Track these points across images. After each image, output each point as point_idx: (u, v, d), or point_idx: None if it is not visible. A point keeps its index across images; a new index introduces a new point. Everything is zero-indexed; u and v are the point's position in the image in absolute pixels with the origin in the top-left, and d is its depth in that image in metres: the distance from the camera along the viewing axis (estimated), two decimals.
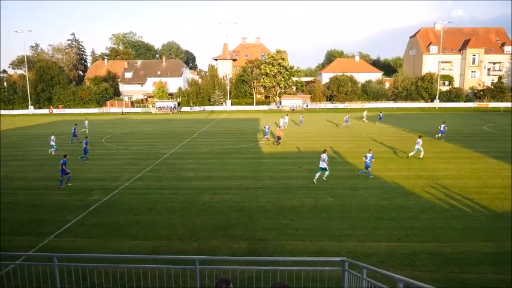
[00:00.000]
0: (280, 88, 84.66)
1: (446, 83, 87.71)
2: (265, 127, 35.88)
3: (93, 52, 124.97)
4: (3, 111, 79.23)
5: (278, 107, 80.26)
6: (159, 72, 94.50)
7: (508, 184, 19.19)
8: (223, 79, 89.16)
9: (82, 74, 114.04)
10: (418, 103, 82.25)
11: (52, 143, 30.04)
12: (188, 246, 12.48)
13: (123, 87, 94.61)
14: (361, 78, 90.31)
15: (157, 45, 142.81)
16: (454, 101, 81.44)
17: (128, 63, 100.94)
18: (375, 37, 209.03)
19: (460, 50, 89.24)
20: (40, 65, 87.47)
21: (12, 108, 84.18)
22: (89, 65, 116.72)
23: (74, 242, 12.85)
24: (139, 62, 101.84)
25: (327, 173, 20.10)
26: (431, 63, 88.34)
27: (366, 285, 6.72)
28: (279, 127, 35.55)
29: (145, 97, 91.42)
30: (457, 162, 24.45)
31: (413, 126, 46.17)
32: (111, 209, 16.25)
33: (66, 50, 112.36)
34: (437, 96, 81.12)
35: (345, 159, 26.26)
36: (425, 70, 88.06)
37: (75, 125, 38.20)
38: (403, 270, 10.33)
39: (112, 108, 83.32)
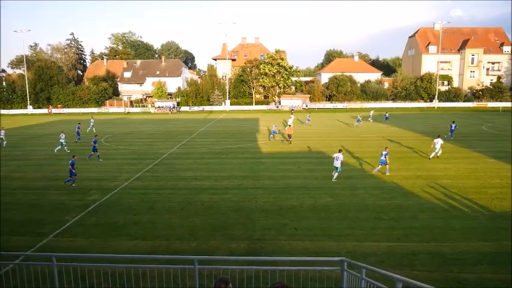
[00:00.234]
0: (280, 88, 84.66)
1: (445, 83, 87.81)
2: (273, 126, 36.63)
3: (92, 52, 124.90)
4: (2, 111, 79.09)
5: (277, 107, 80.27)
6: (158, 72, 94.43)
7: (507, 184, 19.22)
8: (223, 79, 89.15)
9: (81, 73, 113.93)
10: (417, 103, 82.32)
11: (62, 140, 30.42)
12: (187, 246, 12.48)
13: (122, 87, 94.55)
14: (360, 78, 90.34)
15: (157, 45, 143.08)
16: (453, 101, 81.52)
17: (127, 63, 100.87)
18: (374, 37, 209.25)
19: (459, 50, 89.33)
20: (39, 64, 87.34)
21: (11, 108, 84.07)
22: (88, 65, 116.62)
23: (73, 242, 12.84)
24: (138, 61, 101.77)
25: (336, 173, 20.52)
26: (430, 63, 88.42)
27: (364, 285, 6.72)
28: (290, 125, 36.41)
29: (145, 97, 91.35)
30: (456, 162, 24.48)
31: (413, 126, 46.21)
32: (110, 209, 16.24)
33: (65, 50, 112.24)
34: (436, 96, 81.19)
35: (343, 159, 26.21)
36: (424, 70, 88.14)
37: (79, 123, 38.34)
38: (402, 270, 10.33)
39: (111, 108, 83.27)
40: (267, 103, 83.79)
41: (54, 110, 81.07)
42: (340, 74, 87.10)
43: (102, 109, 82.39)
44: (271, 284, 4.21)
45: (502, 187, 18.67)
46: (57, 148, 30.46)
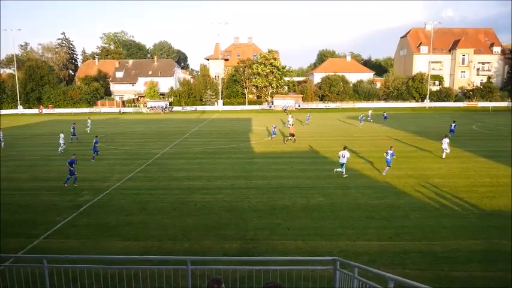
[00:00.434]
0: (272, 88, 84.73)
1: (437, 82, 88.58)
2: (273, 126, 37.47)
3: (83, 51, 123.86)
4: None
5: (270, 107, 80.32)
6: (150, 72, 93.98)
7: (497, 183, 19.46)
8: (215, 79, 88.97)
9: (72, 73, 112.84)
10: (409, 103, 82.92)
11: (61, 141, 30.38)
12: (180, 246, 12.44)
13: (114, 87, 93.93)
14: (353, 78, 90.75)
15: (149, 44, 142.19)
16: (444, 101, 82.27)
17: (119, 62, 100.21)
18: (366, 37, 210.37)
19: (450, 50, 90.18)
20: (30, 64, 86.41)
21: (1, 108, 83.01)
22: (79, 65, 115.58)
23: (64, 243, 12.73)
24: (130, 61, 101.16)
25: (340, 169, 21.10)
26: (422, 63, 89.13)
27: (357, 284, 6.76)
28: (292, 125, 37.33)
29: (137, 97, 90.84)
30: (447, 162, 24.71)
31: (405, 125, 46.53)
32: (102, 210, 16.14)
33: (56, 49, 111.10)
34: (427, 96, 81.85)
35: (334, 158, 26.32)
36: (415, 70, 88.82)
37: (74, 124, 38.16)
38: (394, 268, 10.41)
39: (103, 108, 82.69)
40: (260, 103, 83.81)
41: (45, 110, 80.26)
42: (333, 74, 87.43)
43: (94, 109, 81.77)
44: (264, 284, 4.21)
45: (492, 186, 18.90)
46: (61, 148, 30.31)
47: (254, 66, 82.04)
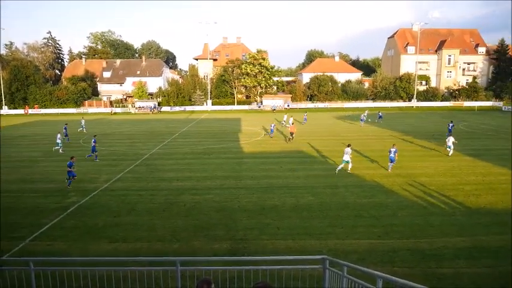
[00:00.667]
0: (261, 88, 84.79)
1: (424, 82, 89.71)
2: (271, 125, 38.35)
3: (70, 51, 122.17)
4: None
5: (259, 107, 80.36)
6: (138, 72, 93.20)
7: (482, 181, 19.80)
8: (204, 79, 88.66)
9: (59, 73, 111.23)
10: (397, 102, 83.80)
11: (58, 141, 30.37)
12: (169, 247, 12.37)
13: (101, 87, 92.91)
14: (341, 78, 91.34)
15: (137, 44, 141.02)
16: (431, 101, 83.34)
17: (106, 62, 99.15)
18: (354, 37, 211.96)
19: (436, 51, 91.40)
20: (15, 63, 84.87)
21: None
22: (66, 64, 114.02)
23: (51, 246, 12.54)
24: (118, 61, 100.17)
25: (350, 165, 21.68)
26: (409, 63, 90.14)
27: (346, 283, 6.80)
28: (292, 124, 37.85)
29: (125, 97, 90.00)
30: (433, 160, 25.04)
31: (393, 125, 47.02)
32: (90, 211, 15.95)
33: (42, 49, 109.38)
34: (414, 96, 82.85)
35: (323, 158, 26.52)
36: (403, 70, 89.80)
37: (66, 124, 37.85)
38: (383, 266, 10.51)
39: (90, 108, 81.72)
40: (249, 103, 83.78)
41: (30, 111, 78.97)
42: (321, 74, 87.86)
43: (81, 109, 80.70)
44: (253, 284, 4.21)
45: (478, 184, 19.22)
46: (59, 148, 30.26)
47: (243, 66, 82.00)
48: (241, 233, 13.41)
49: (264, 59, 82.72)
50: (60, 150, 30.17)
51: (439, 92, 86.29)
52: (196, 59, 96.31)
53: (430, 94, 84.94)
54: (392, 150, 22.13)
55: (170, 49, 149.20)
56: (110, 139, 38.47)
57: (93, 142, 27.10)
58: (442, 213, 15.06)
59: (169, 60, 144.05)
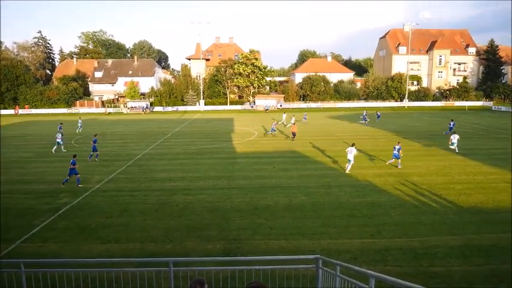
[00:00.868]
0: (254, 88, 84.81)
1: (415, 82, 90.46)
2: (273, 124, 39.53)
3: (61, 51, 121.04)
4: None
5: (252, 107, 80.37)
6: (130, 72, 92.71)
7: (473, 180, 20.01)
8: (197, 79, 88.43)
9: (50, 73, 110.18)
10: (388, 102, 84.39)
11: (58, 140, 30.29)
12: (162, 248, 12.31)
13: (93, 87, 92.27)
14: (334, 78, 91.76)
15: (129, 44, 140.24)
16: (422, 100, 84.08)
17: (98, 62, 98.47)
18: (347, 38, 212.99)
19: (427, 51, 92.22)
20: (4, 63, 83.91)
21: None
22: (56, 64, 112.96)
23: (43, 247, 12.41)
24: (110, 61, 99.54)
25: (350, 165, 22.12)
26: (401, 63, 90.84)
27: (339, 282, 6.83)
28: (294, 123, 38.35)
29: (117, 97, 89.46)
30: (425, 160, 25.24)
31: (385, 125, 47.32)
32: (82, 212, 15.81)
33: (33, 48, 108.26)
34: (406, 96, 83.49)
35: (316, 157, 26.59)
36: (394, 70, 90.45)
37: (61, 124, 37.65)
38: (376, 265, 10.58)
39: (82, 109, 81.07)
40: (242, 103, 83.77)
41: (21, 111, 78.12)
42: (314, 74, 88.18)
43: (73, 109, 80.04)
44: (247, 284, 4.21)
45: (469, 183, 19.42)
46: (59, 148, 30.27)
47: (236, 66, 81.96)
48: (234, 233, 13.40)
49: (256, 59, 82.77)
50: (63, 148, 30.27)
51: (430, 92, 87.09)
52: (189, 59, 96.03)
53: (422, 94, 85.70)
54: (397, 147, 23.00)
55: (162, 49, 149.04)
56: (102, 139, 38.10)
57: (94, 142, 27.09)
58: (433, 212, 15.19)
59: (162, 60, 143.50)
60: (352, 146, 22.57)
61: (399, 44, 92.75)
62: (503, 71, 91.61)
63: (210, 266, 8.69)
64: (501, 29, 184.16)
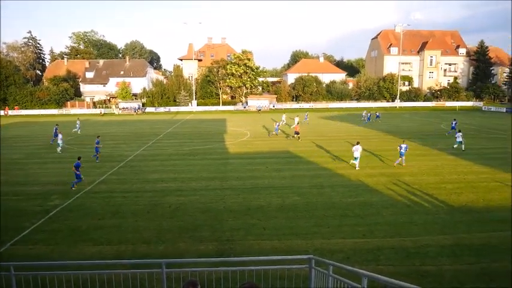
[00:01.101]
0: (246, 88, 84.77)
1: (406, 83, 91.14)
2: (275, 124, 39.93)
3: (51, 51, 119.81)
4: None
5: (244, 107, 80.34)
6: (122, 72, 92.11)
7: (464, 179, 20.21)
8: (189, 79, 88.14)
9: (40, 73, 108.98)
10: (380, 103, 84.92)
11: (59, 141, 30.38)
12: (154, 249, 12.24)
13: (84, 88, 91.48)
14: (326, 78, 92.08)
15: (120, 44, 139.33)
16: (414, 101, 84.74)
17: (89, 62, 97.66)
18: (339, 38, 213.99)
19: (418, 52, 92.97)
20: None
21: None
22: (47, 65, 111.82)
23: (33, 250, 12.28)
24: (101, 61, 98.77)
25: (357, 161, 22.98)
26: (392, 64, 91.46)
27: (332, 282, 6.85)
28: (298, 123, 38.77)
29: (108, 98, 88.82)
30: (417, 160, 25.43)
31: (377, 125, 47.62)
32: (73, 214, 15.67)
33: (22, 49, 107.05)
34: (398, 96, 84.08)
35: (309, 158, 26.65)
36: (386, 71, 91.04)
37: (57, 125, 37.42)
38: (368, 265, 10.64)
39: (73, 110, 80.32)
40: (234, 103, 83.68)
41: (10, 112, 77.19)
42: (306, 74, 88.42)
43: (63, 110, 79.25)
44: (240, 284, 4.20)
45: (460, 182, 19.61)
46: (58, 149, 30.18)
47: (228, 66, 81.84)
48: (227, 233, 13.38)
49: (249, 59, 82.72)
50: (59, 150, 30.11)
51: (421, 92, 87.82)
52: (181, 60, 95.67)
53: (413, 94, 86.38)
54: (403, 146, 23.69)
55: (154, 49, 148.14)
56: (93, 140, 37.83)
57: (96, 143, 27.02)
58: (425, 212, 15.31)
59: (154, 60, 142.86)
60: (357, 144, 23.32)
61: (391, 44, 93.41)
62: (492, 71, 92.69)
63: (202, 267, 8.66)
64: (491, 30, 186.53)
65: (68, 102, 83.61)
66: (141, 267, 8.78)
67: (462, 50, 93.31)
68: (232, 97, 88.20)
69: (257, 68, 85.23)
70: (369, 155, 27.20)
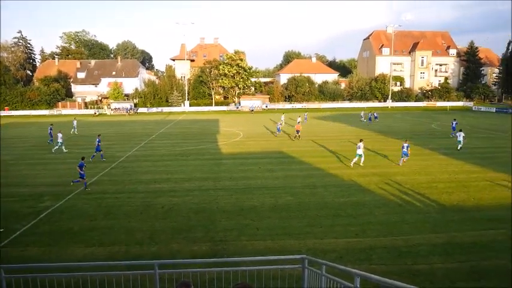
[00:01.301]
0: (239, 89, 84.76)
1: (398, 83, 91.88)
2: (278, 124, 41.04)
3: (42, 51, 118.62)
4: None
5: (237, 108, 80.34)
6: (114, 73, 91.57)
7: (455, 178, 20.42)
8: (181, 80, 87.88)
9: (30, 74, 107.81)
10: (372, 103, 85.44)
11: (60, 140, 30.44)
12: (147, 250, 12.19)
13: (75, 88, 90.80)
14: (318, 78, 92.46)
15: (112, 44, 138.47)
16: (405, 101, 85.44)
17: (80, 63, 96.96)
18: (331, 39, 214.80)
19: (410, 52, 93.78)
20: None
21: None
22: (38, 65, 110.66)
23: (24, 252, 12.15)
24: (92, 61, 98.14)
25: (362, 158, 23.49)
26: (384, 64, 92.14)
27: (325, 281, 6.88)
28: (299, 122, 39.36)
29: (100, 98, 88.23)
30: (409, 159, 25.56)
31: (369, 125, 47.91)
32: (64, 215, 15.53)
33: (13, 49, 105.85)
34: (389, 96, 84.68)
35: (302, 158, 26.72)
36: (378, 71, 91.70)
37: (51, 125, 37.10)
38: (360, 264, 10.70)
39: (64, 110, 79.65)
40: (227, 104, 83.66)
41: (0, 113, 76.29)
42: (299, 74, 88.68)
43: (54, 111, 78.55)
44: (233, 285, 4.20)
45: (451, 182, 19.81)
46: (55, 148, 30.46)
47: (220, 67, 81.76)
48: (220, 234, 13.36)
49: (241, 59, 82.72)
50: (56, 149, 30.18)
51: (413, 92, 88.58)
52: (174, 60, 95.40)
53: (405, 94, 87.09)
54: (405, 145, 23.91)
55: (146, 49, 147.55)
56: (84, 141, 37.58)
57: (98, 142, 26.95)
58: (416, 211, 15.44)
59: (146, 60, 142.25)
60: (361, 141, 23.86)
61: (382, 45, 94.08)
62: (482, 72, 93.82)
63: (196, 268, 8.64)
64: (480, 31, 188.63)
65: (59, 102, 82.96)
66: (133, 268, 8.74)
67: (453, 51, 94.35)
68: (225, 97, 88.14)
69: (250, 69, 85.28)
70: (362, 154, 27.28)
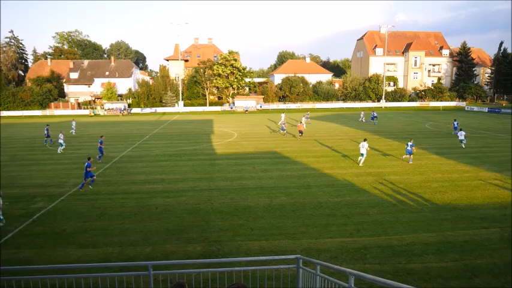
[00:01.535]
0: (233, 89, 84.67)
1: (392, 83, 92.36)
2: (283, 123, 41.41)
3: (34, 51, 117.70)
4: None
5: (231, 108, 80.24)
6: (107, 73, 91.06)
7: (448, 178, 20.56)
8: (175, 80, 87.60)
9: (22, 74, 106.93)
10: (366, 103, 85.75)
11: (60, 141, 30.47)
12: (141, 251, 12.13)
13: (68, 88, 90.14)
14: (312, 79, 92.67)
15: (105, 44, 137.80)
16: (399, 101, 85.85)
17: (73, 63, 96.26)
18: (325, 39, 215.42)
19: (403, 53, 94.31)
20: None
21: None
22: (30, 65, 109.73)
23: (17, 254, 12.03)
24: (86, 61, 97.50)
25: (363, 158, 23.80)
26: (377, 64, 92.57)
27: (319, 281, 6.89)
28: (301, 123, 39.01)
29: (93, 98, 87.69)
30: (402, 159, 25.76)
31: (363, 125, 48.10)
32: (57, 217, 15.41)
33: (4, 49, 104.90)
34: (383, 97, 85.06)
35: (296, 158, 26.75)
36: (372, 71, 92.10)
37: (48, 125, 36.95)
38: (355, 264, 10.74)
39: (57, 111, 79.01)
40: (221, 104, 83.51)
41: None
42: (293, 75, 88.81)
43: (47, 111, 77.89)
44: (228, 285, 4.19)
45: (444, 181, 19.94)
46: (60, 149, 30.43)
47: (215, 67, 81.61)
48: (214, 234, 13.33)
49: (235, 60, 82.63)
50: (61, 150, 30.19)
51: (406, 92, 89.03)
52: (167, 60, 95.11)
53: (398, 95, 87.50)
54: (409, 144, 24.44)
55: (140, 50, 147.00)
56: (78, 142, 37.35)
57: (100, 143, 26.81)
58: (410, 210, 15.52)
59: (139, 61, 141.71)
60: (364, 141, 24.24)
61: (376, 45, 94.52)
62: (475, 72, 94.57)
63: (190, 269, 8.63)
64: (473, 32, 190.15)
65: (52, 103, 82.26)
66: (127, 270, 8.68)
67: (445, 51, 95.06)
68: (219, 98, 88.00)
69: (244, 69, 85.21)
70: (355, 154, 27.39)
